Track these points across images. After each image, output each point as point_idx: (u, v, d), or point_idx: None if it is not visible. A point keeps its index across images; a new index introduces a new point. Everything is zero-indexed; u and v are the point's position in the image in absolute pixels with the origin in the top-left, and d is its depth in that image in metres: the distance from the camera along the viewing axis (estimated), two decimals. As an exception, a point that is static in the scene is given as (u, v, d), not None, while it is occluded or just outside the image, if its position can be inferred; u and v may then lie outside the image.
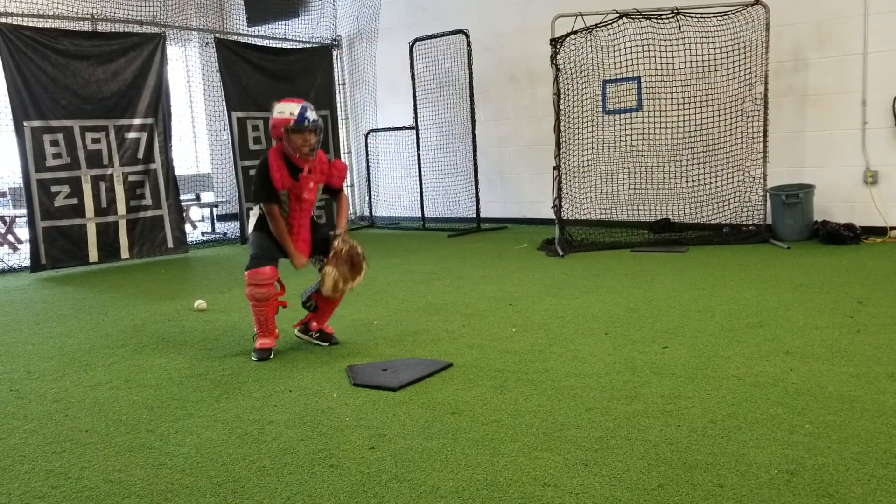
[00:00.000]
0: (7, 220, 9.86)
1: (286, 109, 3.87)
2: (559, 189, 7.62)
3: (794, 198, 7.34)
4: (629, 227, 8.23)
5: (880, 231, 7.34)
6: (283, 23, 10.83)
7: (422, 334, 4.41)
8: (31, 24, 7.89)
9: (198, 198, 11.78)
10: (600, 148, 8.37)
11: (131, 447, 2.88)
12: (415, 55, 10.11)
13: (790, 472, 2.39)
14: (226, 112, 9.46)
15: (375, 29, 11.09)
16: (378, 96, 11.31)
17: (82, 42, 8.05)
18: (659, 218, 8.34)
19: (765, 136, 7.48)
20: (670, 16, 7.45)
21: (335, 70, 10.97)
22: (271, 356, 4.04)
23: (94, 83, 8.06)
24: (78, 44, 8.00)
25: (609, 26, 7.56)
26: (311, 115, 3.88)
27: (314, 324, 4.27)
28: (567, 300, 5.18)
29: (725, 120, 7.76)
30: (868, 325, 4.12)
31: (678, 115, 7.97)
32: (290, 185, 3.96)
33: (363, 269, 3.99)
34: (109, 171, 8.15)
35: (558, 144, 7.60)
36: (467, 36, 9.49)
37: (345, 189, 4.32)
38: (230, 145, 9.61)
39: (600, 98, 8.62)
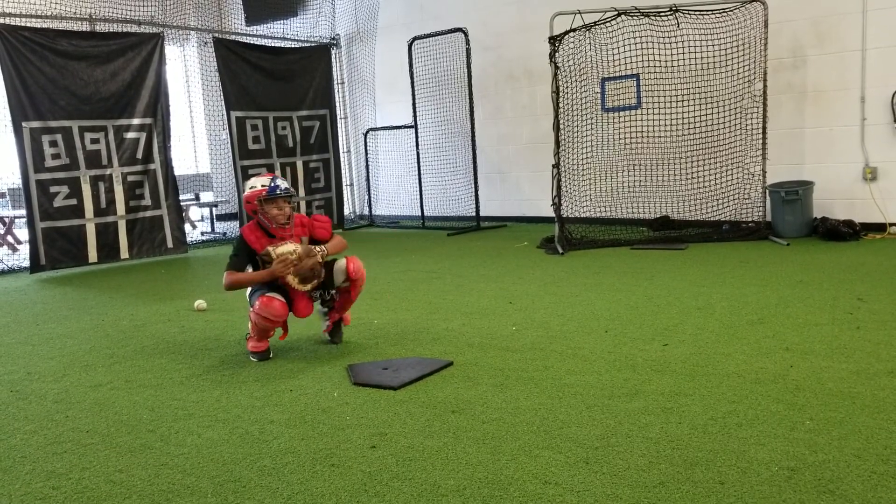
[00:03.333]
0: (6, 220, 9.85)
1: (257, 183, 4.06)
2: (558, 187, 7.62)
3: (793, 194, 7.34)
4: (629, 225, 8.23)
5: (879, 227, 7.34)
6: (282, 22, 10.82)
7: (422, 333, 4.42)
8: (29, 25, 7.88)
9: (197, 197, 11.78)
10: (599, 146, 8.37)
11: (132, 448, 2.88)
12: (413, 54, 10.11)
13: (791, 468, 2.39)
14: (224, 112, 9.46)
15: (374, 28, 11.08)
16: (377, 95, 11.30)
17: (80, 42, 8.05)
18: (658, 215, 8.34)
19: (764, 132, 7.48)
20: (669, 13, 7.45)
21: (334, 69, 10.96)
22: (271, 356, 4.05)
23: (92, 83, 8.06)
24: (76, 44, 7.99)
25: (608, 24, 7.55)
26: (282, 184, 4.05)
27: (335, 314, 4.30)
28: (567, 298, 5.18)
29: (724, 117, 7.76)
30: (868, 321, 4.12)
31: (677, 113, 7.97)
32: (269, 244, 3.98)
33: (314, 279, 3.96)
34: (108, 172, 8.15)
35: (557, 142, 7.59)
36: (466, 34, 9.49)
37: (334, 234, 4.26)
38: (229, 145, 9.61)
39: (599, 96, 8.62)
